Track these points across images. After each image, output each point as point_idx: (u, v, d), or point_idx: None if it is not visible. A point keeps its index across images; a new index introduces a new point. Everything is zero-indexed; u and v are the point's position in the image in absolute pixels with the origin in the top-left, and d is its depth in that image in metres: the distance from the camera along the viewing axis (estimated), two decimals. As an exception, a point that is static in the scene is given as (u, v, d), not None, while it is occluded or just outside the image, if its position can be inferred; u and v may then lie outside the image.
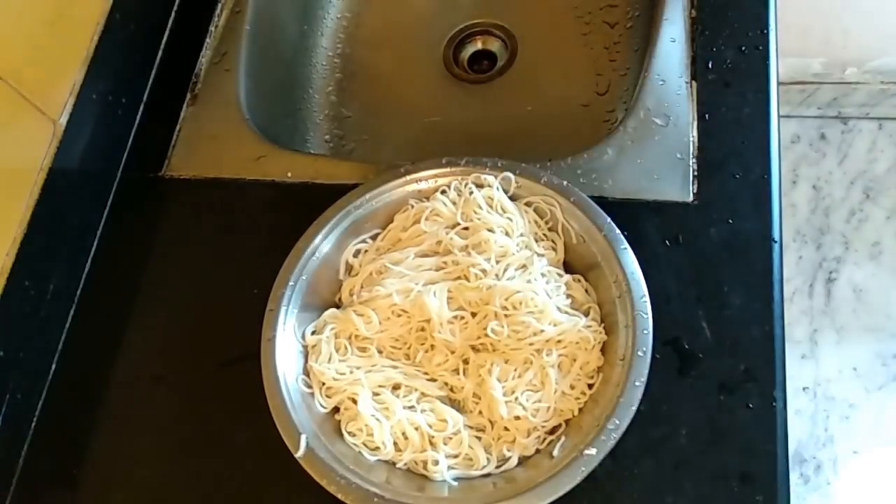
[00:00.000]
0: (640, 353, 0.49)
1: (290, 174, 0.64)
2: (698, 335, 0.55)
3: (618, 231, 0.53)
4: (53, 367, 0.61)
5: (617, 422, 0.48)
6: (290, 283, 0.53)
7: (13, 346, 0.57)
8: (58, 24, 0.60)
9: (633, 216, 0.60)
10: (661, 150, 0.62)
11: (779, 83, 0.64)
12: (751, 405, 0.54)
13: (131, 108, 0.68)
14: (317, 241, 0.55)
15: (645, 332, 0.50)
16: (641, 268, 0.57)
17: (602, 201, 0.61)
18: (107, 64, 0.63)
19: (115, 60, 0.65)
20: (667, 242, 0.58)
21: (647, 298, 0.51)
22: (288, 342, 0.53)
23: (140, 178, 0.67)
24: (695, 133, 0.63)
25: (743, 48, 0.65)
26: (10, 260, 0.56)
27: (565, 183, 0.55)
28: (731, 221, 0.59)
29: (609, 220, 0.53)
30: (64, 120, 0.60)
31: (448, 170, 0.57)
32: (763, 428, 0.53)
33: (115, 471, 0.58)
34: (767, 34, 0.66)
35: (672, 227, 0.59)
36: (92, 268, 0.64)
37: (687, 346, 0.55)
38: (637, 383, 0.49)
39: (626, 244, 0.53)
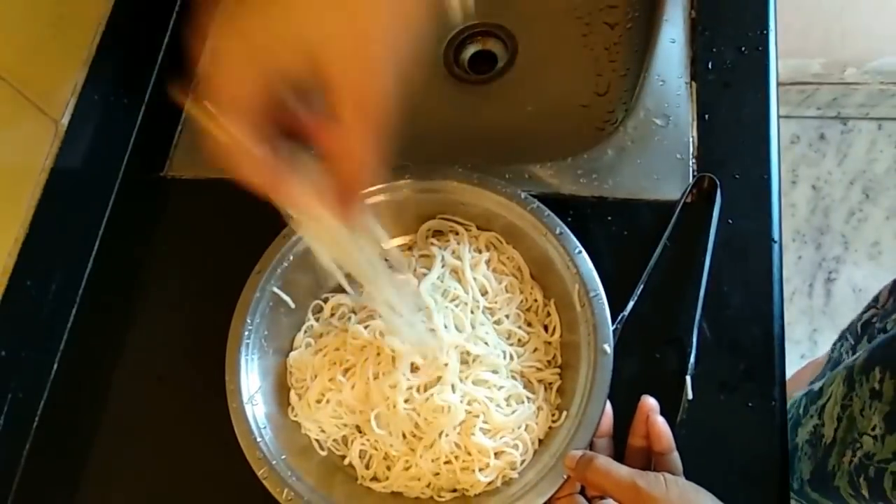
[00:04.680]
0: (604, 349, 0.49)
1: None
2: (698, 334, 0.55)
3: (572, 236, 0.53)
4: (55, 366, 0.61)
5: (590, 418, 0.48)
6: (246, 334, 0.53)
7: (15, 345, 0.57)
8: (59, 25, 0.60)
9: (633, 216, 0.60)
10: (660, 150, 0.62)
11: (778, 84, 0.64)
12: (751, 405, 0.54)
13: (133, 108, 0.68)
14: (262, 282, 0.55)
15: (605, 330, 0.50)
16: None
17: (602, 201, 0.61)
18: (108, 64, 0.64)
19: (116, 60, 0.65)
20: (667, 242, 0.58)
21: (603, 298, 0.51)
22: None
23: (142, 179, 0.67)
24: (694, 133, 0.63)
25: (743, 49, 0.65)
26: (12, 260, 0.56)
27: (522, 194, 0.55)
28: (730, 221, 0.59)
29: (563, 225, 0.53)
30: (66, 120, 0.60)
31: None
32: (763, 427, 0.54)
33: (117, 471, 0.58)
34: (767, 35, 0.65)
35: (672, 226, 0.59)
36: (93, 268, 0.64)
37: (687, 346, 0.55)
38: (604, 379, 0.49)
39: (580, 248, 0.52)
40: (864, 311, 0.75)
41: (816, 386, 0.64)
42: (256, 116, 0.31)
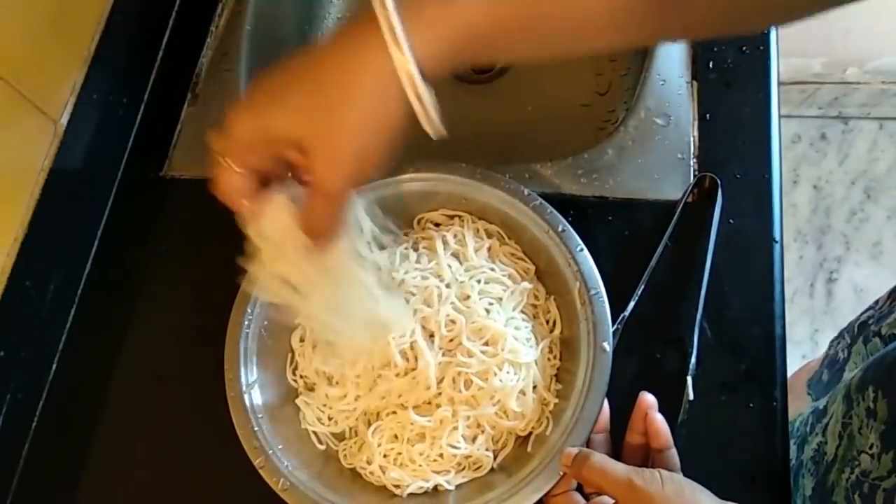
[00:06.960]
0: (604, 347, 0.50)
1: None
2: (699, 335, 0.55)
3: (574, 233, 0.53)
4: (54, 367, 0.61)
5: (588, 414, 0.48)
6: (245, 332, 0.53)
7: (14, 345, 0.57)
8: (59, 24, 0.60)
9: (634, 216, 0.60)
10: (661, 149, 0.62)
11: (779, 83, 0.64)
12: (751, 405, 0.54)
13: (132, 108, 0.68)
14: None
15: (605, 328, 0.50)
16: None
17: (603, 201, 0.61)
18: (107, 64, 0.63)
19: (115, 60, 0.65)
20: (668, 242, 0.58)
21: (603, 296, 0.51)
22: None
23: (141, 179, 0.67)
24: (695, 133, 0.63)
25: (744, 48, 0.65)
26: (11, 260, 0.56)
27: (525, 191, 0.55)
28: (731, 221, 0.59)
29: (565, 223, 0.53)
30: (65, 120, 0.60)
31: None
32: (764, 428, 0.54)
33: (116, 471, 0.58)
34: (768, 34, 0.65)
35: (673, 226, 0.58)
36: (92, 268, 0.64)
37: (688, 346, 0.55)
38: (602, 377, 0.49)
39: (582, 245, 0.52)
40: (864, 312, 0.76)
41: (821, 404, 0.64)
42: (249, 160, 0.43)
